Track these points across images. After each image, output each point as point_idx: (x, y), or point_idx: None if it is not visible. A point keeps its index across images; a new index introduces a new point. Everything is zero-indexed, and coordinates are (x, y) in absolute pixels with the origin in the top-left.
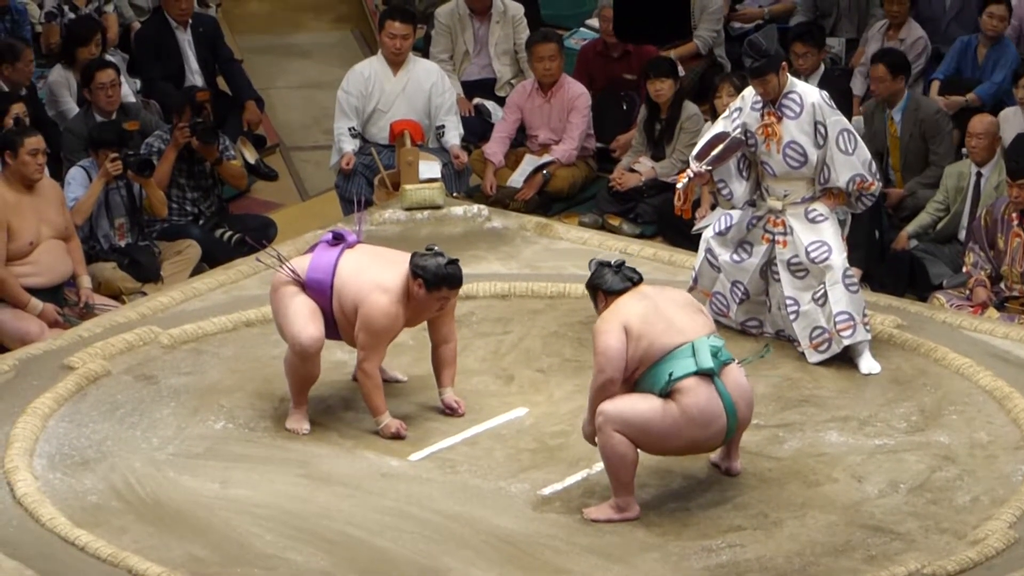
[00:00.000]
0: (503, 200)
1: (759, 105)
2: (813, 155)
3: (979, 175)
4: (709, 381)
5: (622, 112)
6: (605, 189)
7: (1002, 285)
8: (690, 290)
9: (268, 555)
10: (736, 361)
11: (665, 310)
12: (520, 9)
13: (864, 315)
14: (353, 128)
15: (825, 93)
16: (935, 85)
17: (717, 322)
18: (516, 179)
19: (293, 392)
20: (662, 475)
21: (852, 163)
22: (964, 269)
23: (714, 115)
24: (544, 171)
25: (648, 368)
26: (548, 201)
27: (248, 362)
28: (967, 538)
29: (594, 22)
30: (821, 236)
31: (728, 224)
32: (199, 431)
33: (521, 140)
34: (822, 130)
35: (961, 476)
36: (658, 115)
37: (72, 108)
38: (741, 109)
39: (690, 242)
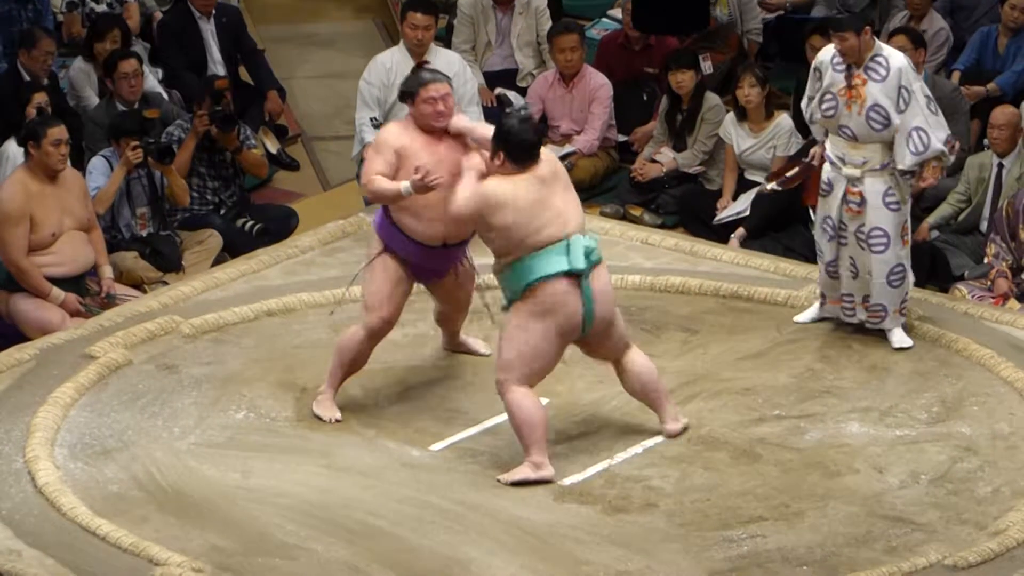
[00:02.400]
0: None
1: (841, 66)
2: (895, 119)
3: (1000, 166)
4: (575, 280)
5: (642, 103)
6: (627, 179)
7: (1023, 276)
8: (820, 306)
9: (289, 545)
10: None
11: (552, 200)
12: (543, 0)
13: (903, 301)
14: (375, 119)
15: (908, 59)
16: (956, 76)
17: (848, 324)
18: None
19: (334, 374)
20: (683, 466)
21: (942, 123)
22: (985, 260)
23: (736, 106)
24: (566, 162)
25: (519, 257)
26: None
27: (269, 352)
28: (988, 529)
29: (616, 12)
30: (886, 226)
31: (824, 222)
32: (220, 421)
33: (543, 130)
34: (905, 95)
35: (982, 467)
36: (680, 106)
37: (93, 100)
38: (820, 72)
39: (712, 233)
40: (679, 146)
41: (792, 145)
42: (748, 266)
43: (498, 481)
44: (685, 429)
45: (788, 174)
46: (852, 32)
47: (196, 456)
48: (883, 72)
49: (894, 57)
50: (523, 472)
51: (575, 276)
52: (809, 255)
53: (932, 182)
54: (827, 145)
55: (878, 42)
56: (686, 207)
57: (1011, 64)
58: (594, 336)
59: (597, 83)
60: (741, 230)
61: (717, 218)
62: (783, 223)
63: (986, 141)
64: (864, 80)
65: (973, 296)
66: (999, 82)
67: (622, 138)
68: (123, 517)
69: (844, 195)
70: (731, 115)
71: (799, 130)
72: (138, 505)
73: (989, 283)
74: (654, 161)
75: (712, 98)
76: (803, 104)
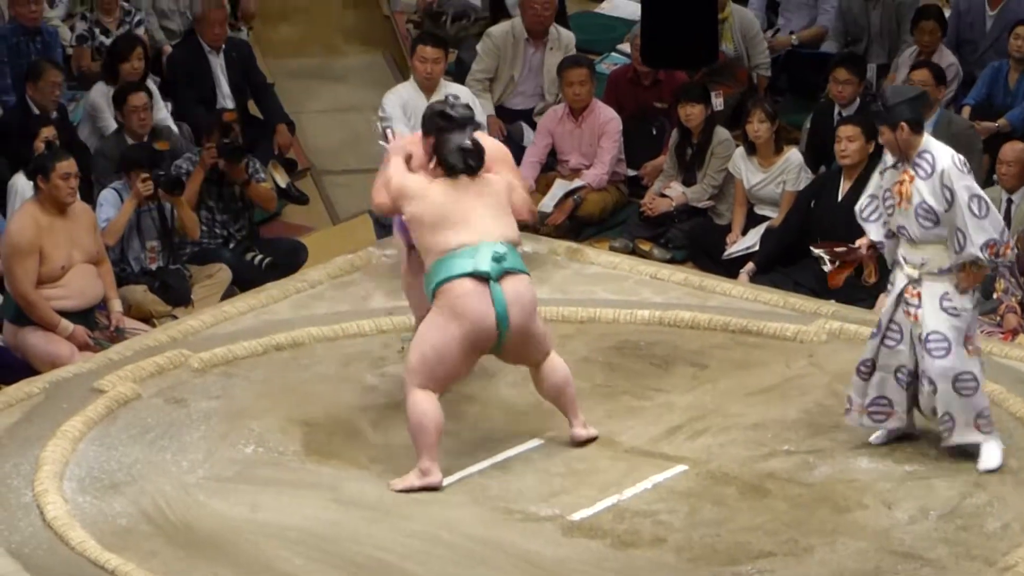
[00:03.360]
0: (534, 225)
1: (894, 163)
2: (943, 218)
3: (1010, 202)
4: (482, 282)
5: (651, 138)
6: (636, 214)
7: None
8: (846, 412)
9: None
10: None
11: (474, 211)
12: (571, 36)
13: (980, 416)
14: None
15: (959, 157)
16: (966, 111)
17: (879, 425)
18: (547, 204)
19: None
20: (692, 501)
21: (984, 227)
22: (994, 295)
23: (745, 140)
24: (575, 196)
25: (433, 260)
26: (579, 226)
27: (278, 386)
28: (997, 565)
29: (625, 47)
30: (944, 330)
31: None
32: (229, 455)
33: (552, 165)
34: (948, 195)
35: (991, 503)
36: (689, 140)
37: (112, 125)
38: (883, 171)
39: (721, 268)
40: (689, 180)
41: (802, 180)
42: (757, 301)
43: (388, 486)
44: (593, 439)
45: (837, 249)
46: (885, 127)
47: (205, 490)
48: (928, 169)
49: (940, 155)
50: (409, 480)
51: (483, 279)
52: (818, 290)
53: (966, 287)
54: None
55: (927, 137)
56: (695, 242)
57: (1021, 99)
58: (512, 347)
59: (606, 117)
60: (750, 265)
61: (726, 253)
62: (792, 258)
63: (995, 176)
64: (911, 177)
65: (982, 331)
66: (1009, 117)
67: (631, 172)
68: (132, 551)
69: (902, 294)
70: (740, 149)
71: (808, 165)
72: (147, 539)
73: (998, 319)
74: (663, 195)
75: (722, 132)
76: (860, 202)
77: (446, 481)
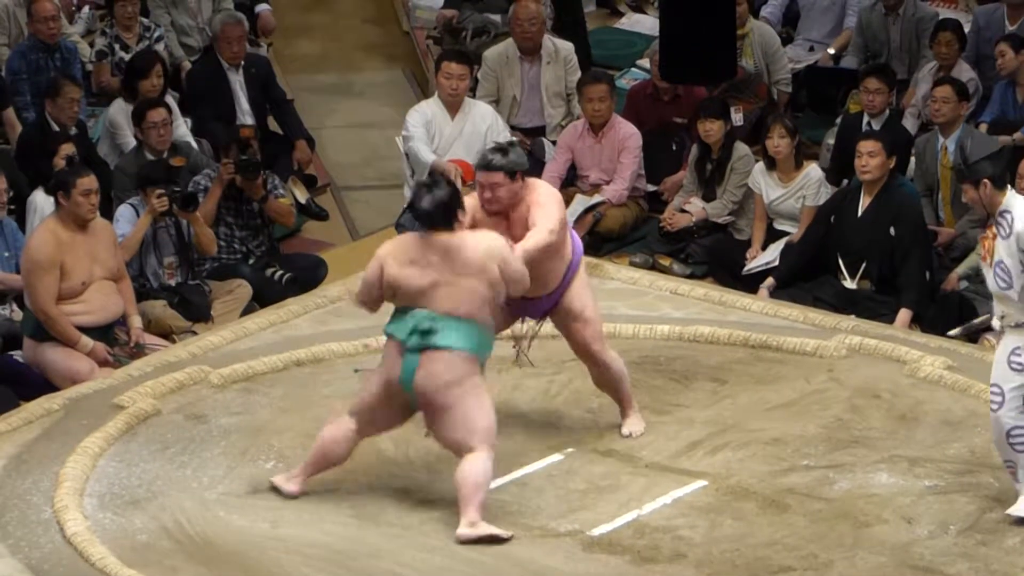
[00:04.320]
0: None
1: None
2: (1019, 282)
3: None
4: (402, 349)
5: (671, 153)
6: (656, 229)
7: None
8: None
9: None
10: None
11: (432, 274)
12: (570, 48)
13: None
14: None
15: None
16: (983, 127)
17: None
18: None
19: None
20: (712, 516)
21: None
22: None
23: (765, 156)
24: (595, 211)
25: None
26: (599, 241)
27: (298, 402)
28: None
29: (645, 62)
30: (1003, 385)
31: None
32: (249, 471)
33: (572, 180)
34: (1023, 257)
35: (1010, 517)
36: (709, 155)
37: (131, 141)
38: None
39: (741, 283)
40: (708, 196)
41: (821, 195)
42: (777, 316)
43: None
44: (477, 540)
45: (975, 321)
46: (968, 184)
47: (225, 506)
48: (1007, 229)
49: (1019, 215)
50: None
51: (401, 344)
52: (838, 305)
53: None
54: None
55: (1010, 195)
56: (715, 257)
57: None
58: (425, 414)
59: (626, 133)
60: (770, 280)
61: (746, 268)
62: (812, 273)
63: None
64: (994, 235)
65: None
66: None
67: (651, 188)
68: (152, 567)
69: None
70: (760, 165)
71: (833, 179)
72: (167, 555)
73: None
74: (683, 211)
75: (741, 148)
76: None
77: None
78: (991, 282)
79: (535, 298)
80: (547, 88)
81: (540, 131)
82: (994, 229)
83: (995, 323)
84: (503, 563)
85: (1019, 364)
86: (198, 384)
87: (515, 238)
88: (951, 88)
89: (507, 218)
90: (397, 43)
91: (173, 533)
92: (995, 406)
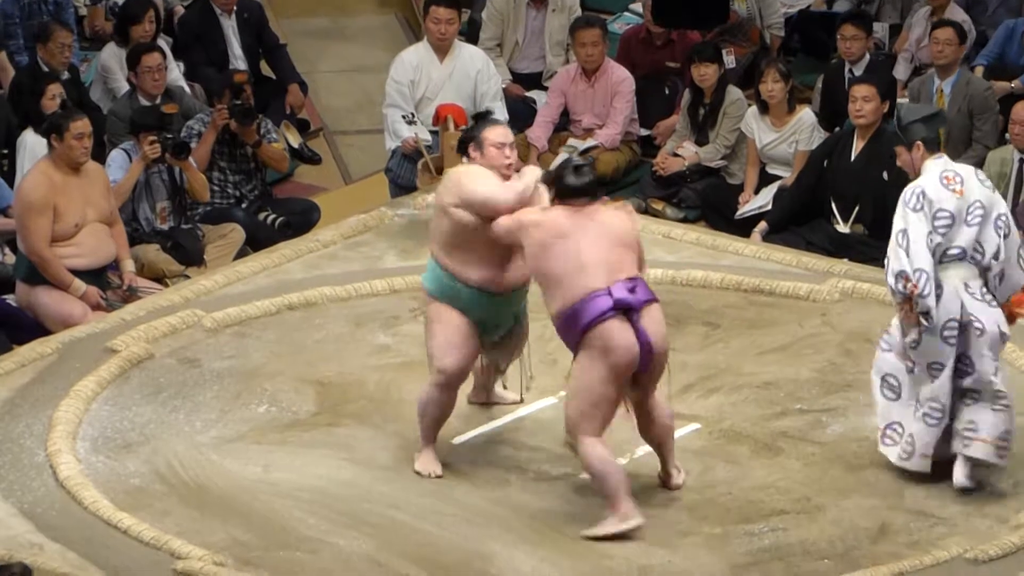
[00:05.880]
0: (547, 185)
1: None
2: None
3: (1021, 161)
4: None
5: (664, 98)
6: (649, 174)
7: None
8: None
9: (311, 539)
10: None
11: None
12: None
13: (1003, 439)
14: (408, 115)
15: (919, 189)
16: (978, 70)
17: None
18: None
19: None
20: (705, 459)
21: (900, 256)
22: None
23: (758, 100)
24: (588, 156)
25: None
26: None
27: (291, 346)
28: (1010, 523)
29: (638, 7)
30: (968, 352)
31: None
32: (242, 415)
33: (565, 125)
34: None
35: None
36: (702, 100)
37: (123, 86)
38: None
39: (733, 227)
40: (701, 140)
41: (814, 139)
42: (770, 260)
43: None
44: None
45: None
46: (902, 148)
47: (218, 450)
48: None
49: (914, 183)
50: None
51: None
52: (831, 249)
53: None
54: None
55: (930, 162)
56: (708, 201)
57: None
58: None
59: (619, 77)
60: (763, 224)
61: (739, 212)
62: (805, 217)
63: (1007, 135)
64: None
65: None
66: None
67: (644, 132)
68: (145, 511)
69: None
70: (753, 109)
71: (822, 126)
72: (159, 499)
73: None
74: (676, 155)
75: (734, 92)
76: None
77: (459, 440)
78: None
79: None
80: (550, 36)
81: (537, 78)
82: None
83: None
84: (496, 507)
85: (979, 330)
86: (191, 328)
87: None
88: (952, 30)
89: None
90: None
91: (166, 477)
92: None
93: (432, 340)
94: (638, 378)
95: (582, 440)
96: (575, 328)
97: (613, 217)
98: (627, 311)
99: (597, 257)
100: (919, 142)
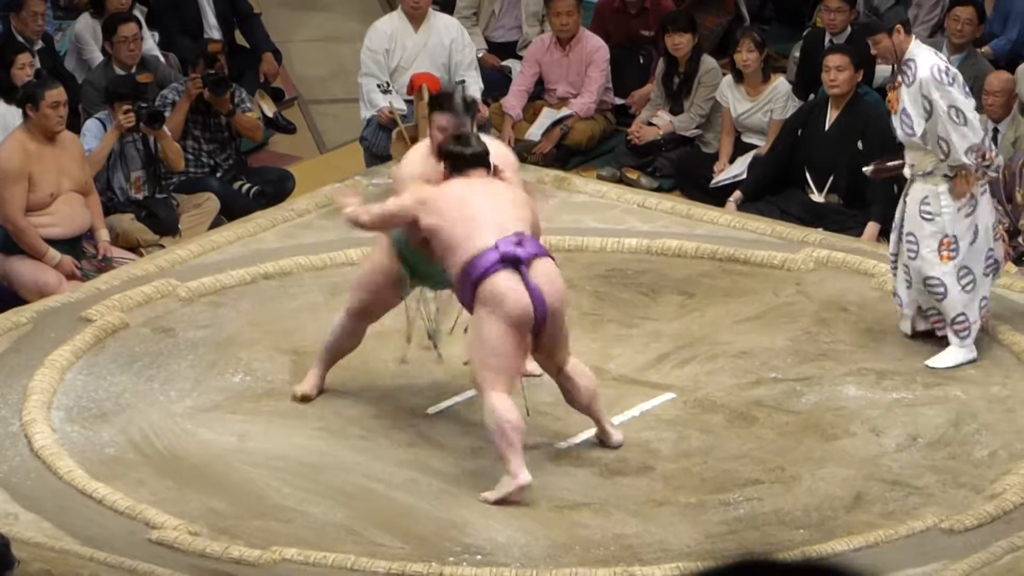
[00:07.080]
0: (521, 153)
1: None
2: (920, 127)
3: (996, 131)
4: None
5: (639, 67)
6: (623, 142)
7: (1020, 239)
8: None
9: (286, 508)
10: None
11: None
12: None
13: (955, 321)
14: (382, 84)
15: (941, 66)
16: (986, 50)
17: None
18: (534, 132)
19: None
20: (680, 429)
21: (965, 134)
22: None
23: (733, 69)
24: (562, 125)
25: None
26: (566, 155)
27: (266, 315)
28: (985, 492)
29: None
30: (916, 232)
31: None
32: (217, 384)
33: (539, 94)
34: (927, 104)
35: (979, 431)
36: (676, 69)
37: (97, 57)
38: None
39: (708, 196)
40: (676, 109)
41: (789, 108)
42: (745, 229)
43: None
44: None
45: (889, 163)
46: (882, 33)
47: (193, 419)
48: (911, 77)
49: (921, 64)
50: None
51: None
52: (805, 218)
53: (959, 194)
54: None
55: (915, 43)
56: (683, 170)
57: (1001, 28)
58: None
59: (594, 46)
60: (738, 193)
61: (714, 181)
62: (780, 186)
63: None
64: (899, 83)
65: None
66: (993, 47)
67: (619, 101)
68: (120, 480)
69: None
70: (728, 78)
71: (797, 94)
72: (134, 468)
73: None
74: (651, 124)
75: (709, 61)
76: None
77: (433, 410)
78: (898, 131)
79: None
80: (526, 6)
81: (512, 47)
82: (900, 78)
83: (906, 172)
84: (471, 476)
85: (928, 213)
86: (166, 297)
87: None
88: (973, 9)
89: None
90: None
91: (141, 447)
92: (911, 254)
93: (360, 272)
94: (537, 338)
95: (487, 395)
96: (467, 287)
97: (505, 185)
98: (515, 263)
99: (487, 218)
100: (899, 25)
